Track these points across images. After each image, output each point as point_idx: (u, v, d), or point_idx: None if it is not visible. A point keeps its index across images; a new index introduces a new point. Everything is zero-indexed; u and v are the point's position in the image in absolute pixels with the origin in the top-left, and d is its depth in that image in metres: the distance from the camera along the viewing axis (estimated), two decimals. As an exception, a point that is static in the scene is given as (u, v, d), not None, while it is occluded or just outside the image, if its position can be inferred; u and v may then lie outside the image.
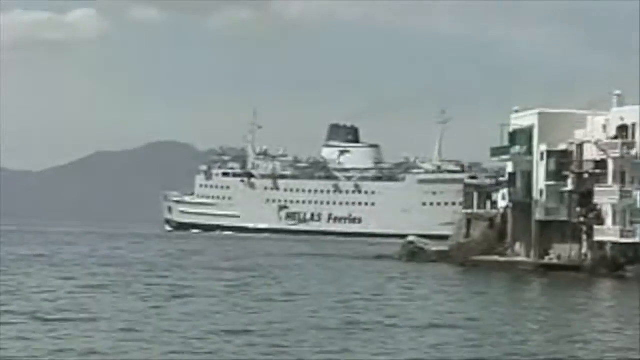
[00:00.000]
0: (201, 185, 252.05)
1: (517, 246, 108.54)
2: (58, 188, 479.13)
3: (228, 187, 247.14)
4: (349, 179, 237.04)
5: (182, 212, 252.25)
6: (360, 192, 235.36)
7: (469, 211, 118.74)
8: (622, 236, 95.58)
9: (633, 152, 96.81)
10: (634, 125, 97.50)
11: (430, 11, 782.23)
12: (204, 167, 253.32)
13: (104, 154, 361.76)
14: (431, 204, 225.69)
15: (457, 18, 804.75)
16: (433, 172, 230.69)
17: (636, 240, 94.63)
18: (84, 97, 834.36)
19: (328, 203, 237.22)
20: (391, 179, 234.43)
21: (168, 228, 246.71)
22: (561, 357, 44.95)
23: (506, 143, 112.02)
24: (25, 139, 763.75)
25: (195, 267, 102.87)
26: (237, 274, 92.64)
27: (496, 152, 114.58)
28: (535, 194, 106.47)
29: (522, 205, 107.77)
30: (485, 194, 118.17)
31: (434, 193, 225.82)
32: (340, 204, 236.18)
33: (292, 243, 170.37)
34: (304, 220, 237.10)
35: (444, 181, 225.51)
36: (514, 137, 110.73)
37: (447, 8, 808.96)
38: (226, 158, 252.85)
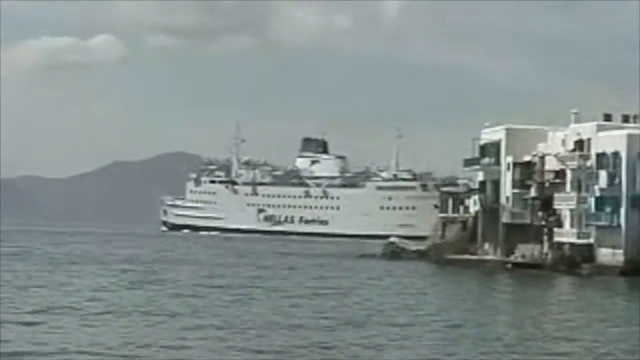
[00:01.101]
0: (191, 191, 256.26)
1: (486, 246, 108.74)
2: (81, 193, 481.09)
3: (214, 193, 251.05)
4: (318, 185, 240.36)
5: (175, 214, 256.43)
6: (327, 197, 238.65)
7: (445, 215, 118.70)
8: (578, 238, 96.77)
9: (588, 163, 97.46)
10: (589, 139, 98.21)
11: (409, 43, 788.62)
12: (194, 175, 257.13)
13: (121, 163, 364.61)
14: (387, 207, 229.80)
15: (430, 48, 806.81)
16: (390, 179, 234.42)
17: (591, 241, 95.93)
18: (104, 113, 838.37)
19: (299, 207, 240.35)
20: (354, 185, 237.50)
21: (164, 228, 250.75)
22: (521, 338, 46.33)
23: (477, 155, 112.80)
24: (53, 149, 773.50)
25: (212, 265, 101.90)
26: (249, 269, 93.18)
27: (468, 162, 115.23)
28: (503, 200, 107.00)
29: (491, 210, 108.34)
30: (459, 200, 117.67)
31: (390, 198, 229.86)
32: (310, 207, 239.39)
33: (278, 243, 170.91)
34: (279, 222, 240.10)
35: (398, 188, 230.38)
36: (484, 149, 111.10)
37: (422, 40, 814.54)
38: (213, 167, 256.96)
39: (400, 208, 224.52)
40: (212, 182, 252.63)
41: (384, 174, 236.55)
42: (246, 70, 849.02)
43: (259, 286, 71.56)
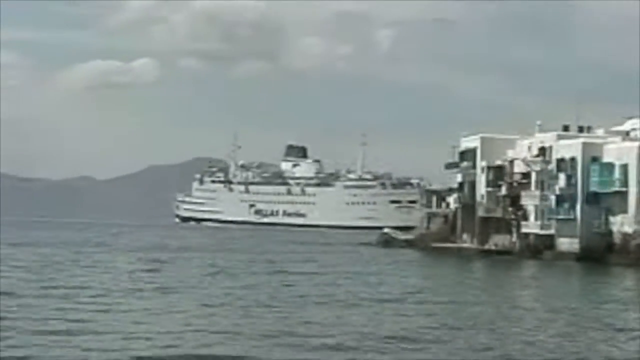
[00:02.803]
0: (196, 189, 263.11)
1: (465, 236, 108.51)
2: (121, 193, 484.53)
3: (214, 191, 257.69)
4: (297, 184, 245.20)
5: (185, 209, 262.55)
6: (305, 194, 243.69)
7: (429, 210, 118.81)
8: (541, 229, 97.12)
9: (550, 167, 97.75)
10: (550, 147, 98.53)
11: (398, 65, 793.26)
12: (199, 176, 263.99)
13: (158, 166, 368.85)
14: (353, 203, 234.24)
15: (416, 69, 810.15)
16: (355, 180, 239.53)
17: (552, 232, 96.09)
18: (143, 124, 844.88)
19: (283, 202, 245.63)
20: (327, 185, 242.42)
21: (177, 220, 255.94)
22: (492, 312, 47.24)
23: (457, 160, 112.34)
24: (102, 155, 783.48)
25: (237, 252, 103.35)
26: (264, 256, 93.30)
27: (449, 166, 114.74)
28: (478, 198, 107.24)
29: (468, 206, 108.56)
30: (442, 197, 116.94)
31: (355, 195, 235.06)
32: (291, 203, 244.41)
33: (276, 233, 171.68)
34: (266, 215, 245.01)
35: (362, 187, 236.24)
36: (462, 155, 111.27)
37: (410, 62, 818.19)
38: (214, 169, 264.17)
39: (364, 203, 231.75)
40: (213, 182, 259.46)
41: (351, 175, 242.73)
42: (258, 89, 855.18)
43: (300, 272, 71.35)
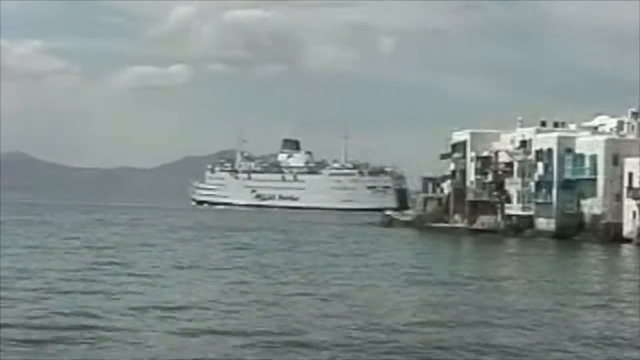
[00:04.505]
0: (209, 177, 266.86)
1: (456, 217, 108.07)
2: (162, 180, 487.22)
3: (223, 178, 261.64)
4: (291, 173, 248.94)
5: (199, 194, 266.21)
6: (297, 181, 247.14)
7: (426, 195, 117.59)
8: (522, 211, 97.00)
9: (529, 157, 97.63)
10: (530, 140, 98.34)
11: (397, 67, 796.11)
12: (210, 166, 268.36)
13: (192, 157, 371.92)
14: (336, 188, 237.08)
15: (412, 70, 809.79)
16: (338, 168, 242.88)
17: (531, 213, 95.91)
18: (179, 121, 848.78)
19: (279, 188, 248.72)
20: (315, 172, 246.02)
21: (193, 203, 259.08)
22: (479, 279, 48.57)
23: (449, 151, 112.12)
24: (142, 147, 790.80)
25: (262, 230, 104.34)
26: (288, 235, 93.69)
27: (444, 156, 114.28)
28: (468, 184, 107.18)
29: (460, 191, 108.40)
30: (437, 184, 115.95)
31: (338, 182, 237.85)
32: (286, 188, 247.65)
33: (279, 215, 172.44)
34: (266, 199, 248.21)
35: (343, 174, 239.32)
36: (454, 147, 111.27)
37: (406, 65, 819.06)
38: (222, 160, 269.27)
39: (345, 189, 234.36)
40: (222, 170, 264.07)
41: (335, 165, 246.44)
42: (276, 89, 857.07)
43: (325, 252, 69.76)
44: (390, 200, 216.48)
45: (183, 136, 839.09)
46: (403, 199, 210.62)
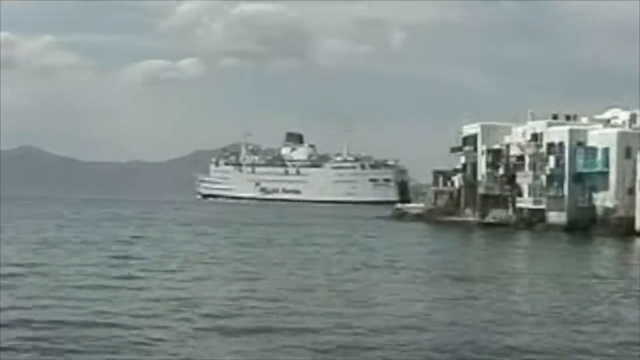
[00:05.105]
0: (214, 171, 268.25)
1: (467, 210, 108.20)
2: (173, 174, 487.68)
3: (227, 172, 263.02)
4: (294, 166, 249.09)
5: (204, 187, 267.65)
6: (299, 174, 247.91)
7: (437, 188, 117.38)
8: (534, 204, 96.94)
9: (541, 150, 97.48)
10: (541, 133, 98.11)
11: (408, 62, 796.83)
12: (215, 159, 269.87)
13: (203, 151, 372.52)
14: (338, 181, 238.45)
15: (423, 65, 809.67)
16: (340, 162, 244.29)
17: (543, 207, 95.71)
18: (189, 114, 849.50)
19: (282, 181, 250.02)
20: (317, 166, 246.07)
21: (198, 197, 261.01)
22: (489, 274, 47.78)
23: (460, 144, 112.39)
24: (153, 141, 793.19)
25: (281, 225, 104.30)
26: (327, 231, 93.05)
27: (454, 150, 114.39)
28: (479, 177, 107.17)
29: (471, 184, 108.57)
30: (448, 177, 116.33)
31: (340, 175, 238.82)
32: (289, 182, 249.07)
33: (288, 209, 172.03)
34: (269, 192, 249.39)
35: (345, 167, 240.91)
36: (465, 140, 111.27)
37: (417, 60, 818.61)
38: (227, 154, 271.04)
39: (346, 182, 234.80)
40: (226, 164, 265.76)
41: (337, 158, 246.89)
42: (286, 83, 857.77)
43: (348, 244, 70.97)
44: (391, 193, 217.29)
45: (194, 130, 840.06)
46: (404, 192, 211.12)
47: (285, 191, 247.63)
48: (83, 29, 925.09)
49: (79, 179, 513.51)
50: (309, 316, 30.18)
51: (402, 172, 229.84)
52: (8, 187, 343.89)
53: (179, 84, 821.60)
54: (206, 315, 29.81)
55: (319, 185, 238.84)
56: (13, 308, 30.17)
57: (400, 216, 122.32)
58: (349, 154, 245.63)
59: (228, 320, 29.07)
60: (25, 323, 27.36)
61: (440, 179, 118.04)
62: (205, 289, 37.97)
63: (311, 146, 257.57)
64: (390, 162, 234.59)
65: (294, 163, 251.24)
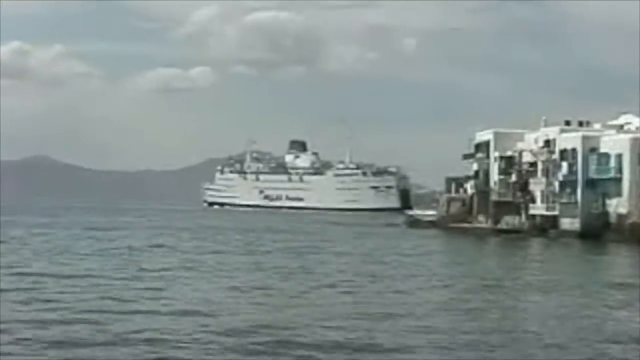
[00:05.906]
0: (218, 179, 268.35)
1: (480, 217, 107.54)
2: (184, 182, 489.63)
3: (232, 180, 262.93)
4: (297, 174, 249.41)
5: (209, 195, 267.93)
6: (302, 182, 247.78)
7: (449, 195, 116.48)
8: (547, 210, 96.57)
9: (554, 157, 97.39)
10: (554, 139, 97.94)
11: (418, 67, 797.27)
12: (220, 167, 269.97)
13: (214, 159, 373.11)
14: (340, 189, 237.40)
15: (434, 70, 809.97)
16: (343, 169, 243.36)
17: (556, 213, 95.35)
18: (200, 123, 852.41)
19: (286, 189, 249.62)
20: (320, 173, 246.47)
21: (205, 205, 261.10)
22: (505, 280, 48.49)
23: (472, 151, 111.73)
24: (164, 150, 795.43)
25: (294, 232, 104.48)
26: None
27: (466, 156, 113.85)
28: (492, 184, 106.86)
29: (483, 191, 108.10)
30: (460, 184, 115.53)
31: (342, 182, 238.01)
32: (292, 189, 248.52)
33: (282, 215, 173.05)
34: (273, 199, 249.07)
35: (347, 175, 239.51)
36: (477, 147, 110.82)
37: (428, 65, 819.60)
38: (232, 161, 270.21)
39: (349, 189, 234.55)
40: (231, 172, 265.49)
41: (339, 165, 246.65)
42: (297, 90, 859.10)
43: (363, 253, 70.55)
44: (393, 200, 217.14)
45: (205, 138, 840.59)
46: (406, 199, 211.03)
47: (288, 198, 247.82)
48: (94, 38, 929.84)
49: (91, 188, 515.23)
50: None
51: (404, 179, 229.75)
52: (22, 195, 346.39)
53: (191, 93, 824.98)
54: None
55: (321, 192, 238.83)
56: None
57: (413, 223, 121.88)
58: (351, 161, 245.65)
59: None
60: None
61: (453, 185, 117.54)
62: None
63: (314, 153, 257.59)
64: (392, 169, 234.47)
65: (297, 170, 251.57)
